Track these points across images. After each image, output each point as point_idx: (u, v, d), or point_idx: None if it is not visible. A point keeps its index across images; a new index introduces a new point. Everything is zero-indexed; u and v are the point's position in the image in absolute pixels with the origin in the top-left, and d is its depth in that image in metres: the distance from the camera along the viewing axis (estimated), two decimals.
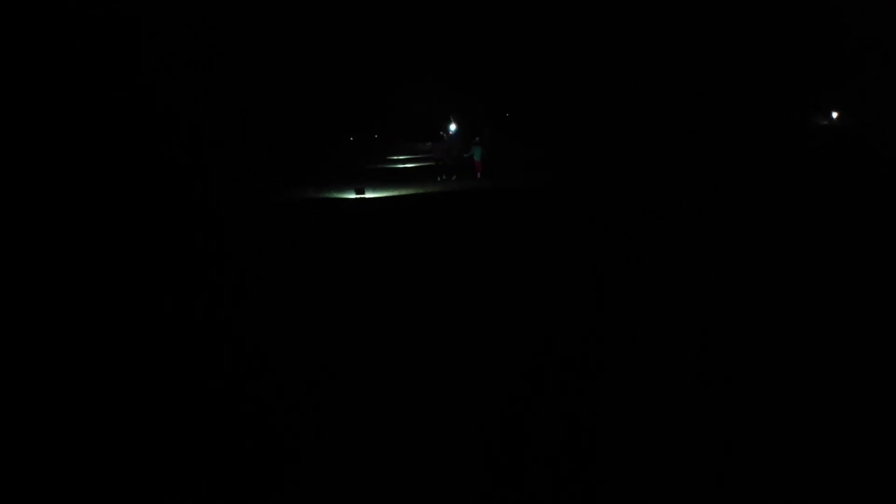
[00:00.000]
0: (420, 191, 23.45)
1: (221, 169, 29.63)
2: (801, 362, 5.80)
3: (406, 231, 14.57)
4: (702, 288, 8.46)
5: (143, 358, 6.49)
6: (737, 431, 4.59)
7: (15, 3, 22.39)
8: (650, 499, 3.88)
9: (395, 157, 51.96)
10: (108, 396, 5.55)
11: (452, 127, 41.54)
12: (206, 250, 12.96)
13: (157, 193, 22.82)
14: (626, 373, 5.67)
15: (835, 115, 49.80)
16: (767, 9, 34.57)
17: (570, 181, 24.99)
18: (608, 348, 6.31)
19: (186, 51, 28.43)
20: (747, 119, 38.20)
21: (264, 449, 4.59)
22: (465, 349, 6.44)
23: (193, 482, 4.19)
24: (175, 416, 5.13)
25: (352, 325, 7.44)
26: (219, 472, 4.30)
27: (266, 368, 6.15)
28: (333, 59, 39.17)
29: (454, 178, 28.11)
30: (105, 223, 16.54)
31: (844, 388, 5.25)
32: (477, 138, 30.55)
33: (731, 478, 4.04)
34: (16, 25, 22.21)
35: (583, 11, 35.06)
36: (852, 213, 14.03)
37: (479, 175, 27.85)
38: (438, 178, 28.32)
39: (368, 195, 21.65)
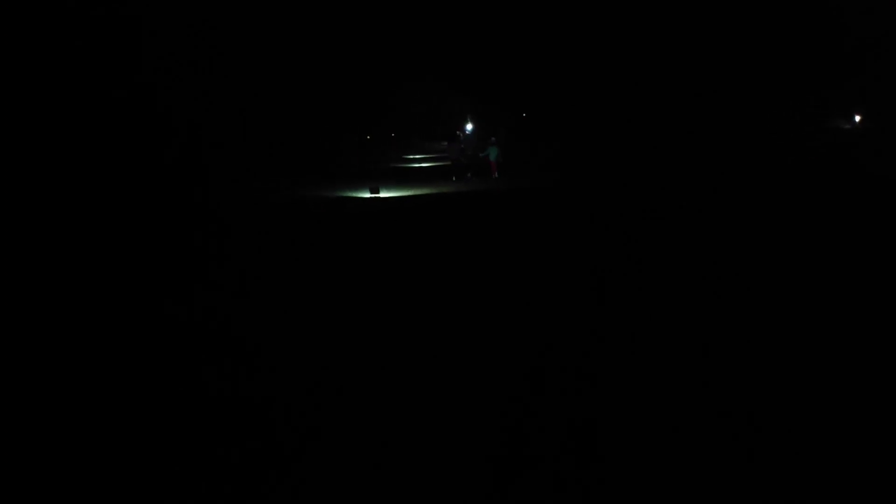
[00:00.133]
0: (434, 190, 23.56)
1: (224, 169, 29.64)
2: (800, 362, 5.80)
3: (415, 231, 14.68)
4: (702, 288, 8.46)
5: (143, 357, 6.49)
6: (737, 432, 4.59)
7: (15, 3, 22.39)
8: (650, 499, 3.88)
9: (412, 157, 51.94)
10: (108, 396, 5.55)
11: (469, 126, 41.60)
12: (208, 250, 12.95)
13: (158, 193, 22.82)
14: (626, 373, 5.67)
15: (858, 118, 48.84)
16: (767, 9, 34.58)
17: (576, 181, 25.07)
18: (608, 348, 6.31)
19: (186, 51, 28.42)
20: (747, 119, 38.20)
21: (264, 449, 4.59)
22: (466, 349, 6.44)
23: (193, 482, 4.19)
24: (175, 416, 5.13)
25: (354, 324, 7.43)
26: (219, 473, 4.29)
27: (266, 368, 6.15)
28: (346, 57, 39.19)
29: (469, 177, 28.15)
30: (105, 223, 16.54)
31: (844, 388, 5.25)
32: (493, 138, 30.58)
33: (731, 478, 4.04)
34: (16, 25, 22.21)
35: (586, 14, 35.11)
36: (852, 213, 14.03)
37: (494, 175, 27.91)
38: (454, 178, 28.34)
39: (383, 194, 21.71)
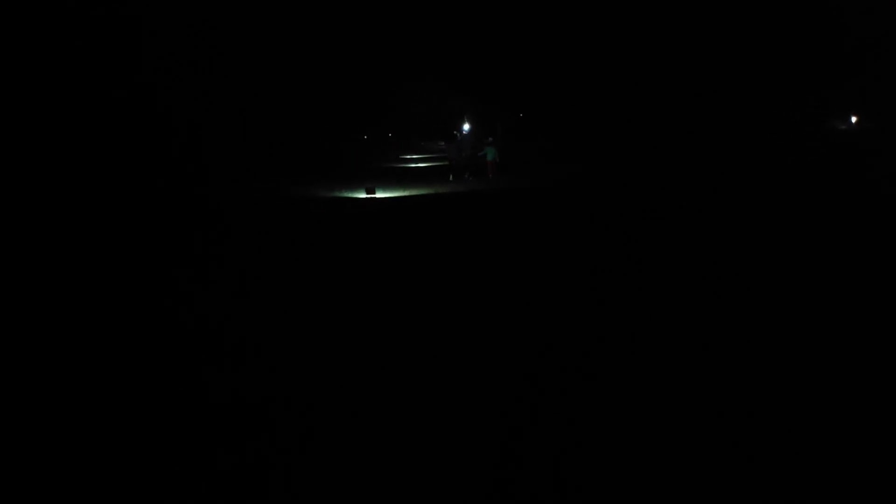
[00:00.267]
0: (431, 191, 23.43)
1: (224, 168, 29.61)
2: (800, 362, 5.80)
3: (411, 232, 14.55)
4: (702, 288, 8.46)
5: (143, 357, 6.49)
6: (737, 432, 4.59)
7: (15, 3, 22.39)
8: (650, 500, 3.88)
9: (409, 157, 51.76)
10: (108, 396, 5.55)
11: (466, 127, 41.65)
12: (205, 249, 12.95)
13: (157, 193, 22.83)
14: (626, 374, 5.67)
15: (854, 119, 49.08)
16: (767, 9, 34.58)
17: (576, 181, 25.05)
18: (608, 348, 6.31)
19: (186, 51, 28.41)
20: (747, 119, 38.22)
21: (264, 449, 4.59)
22: (465, 350, 6.44)
23: (193, 482, 4.19)
24: (175, 416, 5.13)
25: (354, 324, 7.43)
26: (219, 473, 4.30)
27: (266, 368, 6.15)
28: (345, 57, 39.10)
29: (467, 177, 28.12)
30: (105, 222, 16.54)
31: (844, 388, 5.25)
32: (490, 139, 30.60)
33: (731, 478, 4.04)
34: (16, 25, 22.21)
35: (585, 14, 35.06)
36: (851, 213, 14.03)
37: (490, 175, 27.89)
38: (451, 178, 28.33)
39: (379, 195, 21.65)
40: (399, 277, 9.91)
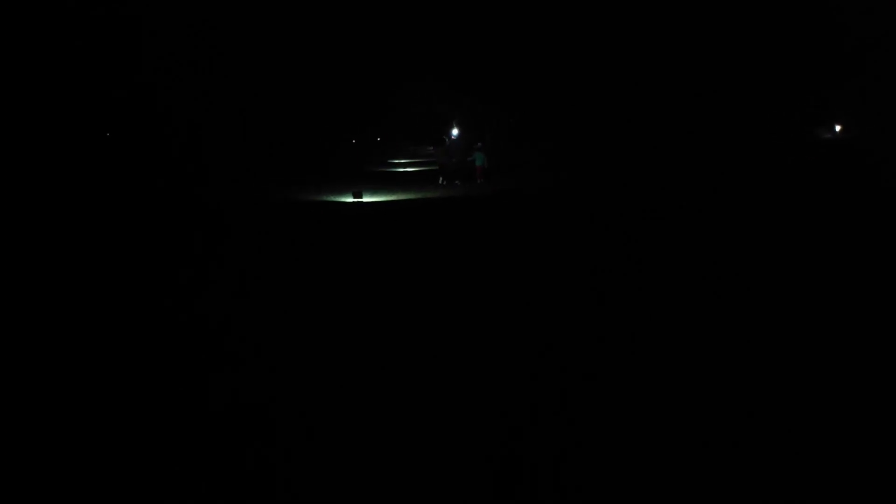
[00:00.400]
0: (419, 195, 23.08)
1: (217, 169, 29.58)
2: (800, 362, 5.80)
3: (399, 237, 14.01)
4: (702, 288, 8.46)
5: (143, 357, 6.49)
6: (737, 432, 4.59)
7: (15, 3, 22.40)
8: (649, 500, 3.88)
9: (397, 161, 51.53)
10: (109, 396, 5.55)
11: (454, 132, 41.66)
12: (205, 250, 12.93)
13: (156, 193, 22.83)
14: (626, 374, 5.67)
15: (838, 128, 49.38)
16: (767, 9, 34.56)
17: (571, 183, 24.97)
18: (608, 349, 6.31)
19: (186, 51, 28.42)
20: (747, 119, 38.22)
21: (264, 450, 4.59)
22: (466, 351, 6.43)
23: (193, 482, 4.19)
24: (175, 416, 5.13)
25: (351, 327, 7.43)
26: (219, 473, 4.29)
27: (265, 369, 6.15)
28: (333, 60, 39.03)
29: (457, 182, 28.12)
30: (105, 222, 16.55)
31: (843, 388, 5.25)
32: (479, 144, 30.67)
33: (731, 479, 4.04)
34: (16, 25, 22.21)
35: (583, 13, 35.00)
36: (850, 213, 14.03)
37: (479, 180, 27.91)
38: (441, 181, 28.33)
39: (366, 199, 21.37)
40: (394, 280, 9.91)
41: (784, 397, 5.11)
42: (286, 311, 8.06)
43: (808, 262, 9.83)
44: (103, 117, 24.41)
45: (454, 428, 4.77)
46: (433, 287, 9.15)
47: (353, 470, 4.27)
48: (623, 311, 7.54)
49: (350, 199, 21.21)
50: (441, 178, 28.71)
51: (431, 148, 53.84)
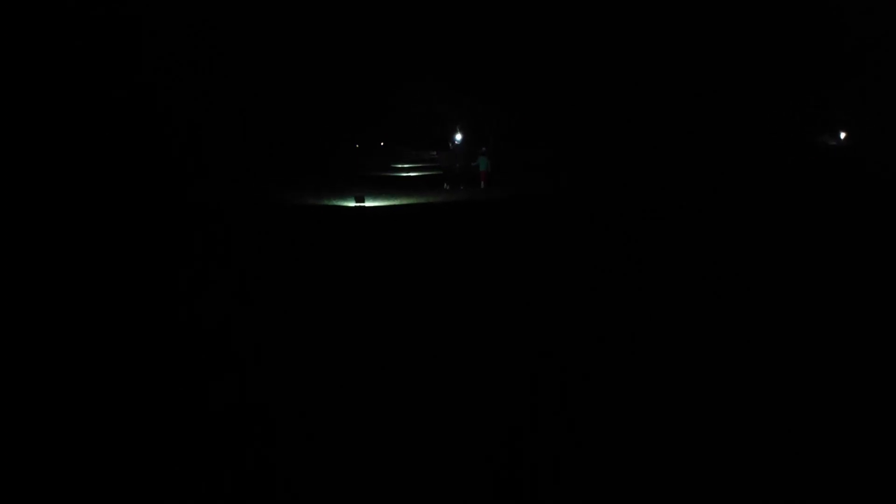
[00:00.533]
0: (421, 200, 22.82)
1: (218, 169, 29.54)
2: (800, 362, 5.80)
3: (402, 243, 13.64)
4: (702, 288, 8.46)
5: (143, 358, 6.49)
6: (737, 431, 4.59)
7: (15, 3, 22.40)
8: (650, 499, 3.88)
9: (400, 165, 51.14)
10: (109, 397, 5.55)
11: (458, 137, 41.66)
12: (204, 252, 12.92)
13: (155, 193, 22.82)
14: (626, 374, 5.67)
15: (843, 135, 49.39)
16: (767, 9, 34.57)
17: (573, 185, 24.92)
18: (608, 349, 6.31)
19: (186, 51, 28.40)
20: (747, 119, 38.23)
21: (263, 451, 4.59)
22: (466, 351, 6.43)
23: (193, 482, 4.19)
24: (175, 417, 5.13)
25: (352, 328, 7.43)
26: (219, 473, 4.29)
27: (266, 371, 6.15)
28: (333, 60, 38.95)
29: (461, 187, 28.13)
30: (105, 222, 16.55)
31: (843, 388, 5.25)
32: (483, 148, 30.76)
33: (731, 479, 4.04)
34: (16, 25, 22.21)
35: (586, 14, 35.00)
36: (849, 214, 14.03)
37: (483, 185, 27.96)
38: (445, 186, 28.35)
39: (368, 204, 21.11)
40: (396, 284, 9.90)
41: (783, 397, 5.11)
42: (286, 312, 8.06)
43: (806, 262, 9.83)
44: (103, 117, 24.39)
45: (454, 428, 4.77)
46: (435, 290, 9.15)
47: (354, 470, 4.27)
48: (623, 311, 7.54)
49: (352, 204, 21.02)
50: (445, 183, 28.76)
51: (434, 153, 53.82)
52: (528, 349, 6.37)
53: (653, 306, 7.67)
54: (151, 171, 25.16)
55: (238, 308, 8.32)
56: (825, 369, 5.64)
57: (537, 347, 6.42)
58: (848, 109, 44.50)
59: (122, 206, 19.55)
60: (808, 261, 9.89)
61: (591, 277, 9.39)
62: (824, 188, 18.82)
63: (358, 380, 5.74)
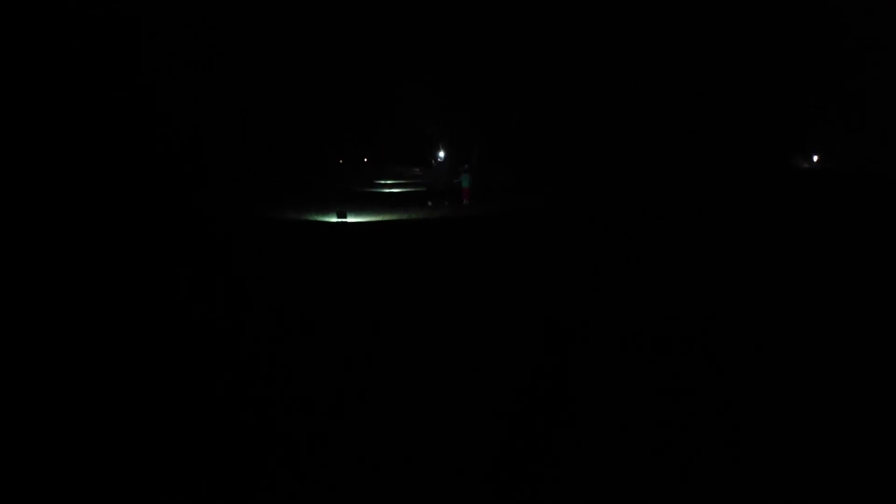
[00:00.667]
0: (404, 216, 22.14)
1: (221, 170, 29.49)
2: (799, 362, 5.80)
3: (383, 261, 12.62)
4: (702, 288, 8.46)
5: (143, 360, 6.49)
6: (736, 431, 4.59)
7: (15, 3, 22.40)
8: (649, 499, 3.88)
9: (383, 182, 50.57)
10: (110, 398, 5.55)
11: (441, 154, 41.85)
12: (195, 259, 12.80)
13: (154, 194, 22.81)
14: (626, 373, 5.67)
15: (815, 158, 49.93)
16: (767, 8, 34.60)
17: (563, 198, 24.41)
18: (608, 348, 6.31)
19: (186, 51, 28.40)
20: (747, 119, 38.26)
21: (263, 451, 4.58)
22: (465, 352, 6.43)
23: (193, 482, 4.19)
24: (175, 418, 5.13)
25: (347, 338, 7.43)
26: (219, 473, 4.29)
27: (266, 373, 6.15)
28: (322, 79, 38.73)
29: (445, 203, 28.03)
30: (105, 223, 16.54)
31: (843, 388, 5.25)
32: (465, 165, 30.90)
33: (731, 478, 4.03)
34: (16, 25, 22.22)
35: (587, 15, 34.98)
36: (850, 213, 14.04)
37: (466, 201, 27.90)
38: (429, 203, 28.20)
39: (351, 219, 20.40)
40: (375, 304, 9.86)
41: (783, 397, 5.11)
42: (282, 312, 8.06)
43: (806, 262, 9.83)
44: (103, 117, 24.36)
45: (455, 427, 4.76)
46: (419, 309, 9.12)
47: (354, 470, 4.27)
48: (623, 311, 7.53)
49: (334, 220, 20.31)
50: (429, 200, 28.66)
51: (417, 169, 53.99)
52: (528, 348, 6.36)
53: (653, 306, 7.66)
54: (142, 172, 25.08)
55: (221, 315, 8.31)
56: (824, 369, 5.64)
57: (537, 347, 6.41)
58: (806, 149, 44.98)
59: (122, 208, 19.55)
60: (808, 261, 9.88)
61: (590, 277, 9.38)
62: (824, 188, 18.83)
63: (356, 383, 5.74)
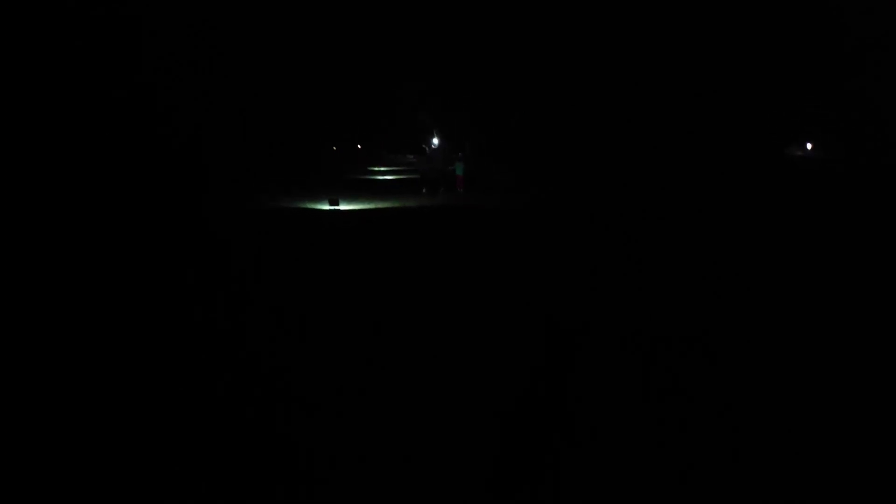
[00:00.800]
0: (398, 204, 22.08)
1: (221, 170, 29.48)
2: (799, 362, 5.80)
3: (374, 250, 12.66)
4: (702, 288, 8.45)
5: (143, 360, 6.49)
6: (736, 431, 4.59)
7: (15, 3, 22.40)
8: (649, 499, 3.88)
9: (377, 168, 50.51)
10: (110, 398, 5.55)
11: (435, 141, 41.78)
12: (201, 253, 12.86)
13: (154, 194, 22.81)
14: (626, 374, 5.66)
15: (809, 146, 50.08)
16: (767, 8, 34.55)
17: (555, 194, 24.23)
18: (609, 348, 6.31)
19: (186, 51, 28.39)
20: (747, 119, 38.22)
21: (262, 451, 4.59)
22: (465, 351, 6.43)
23: (194, 482, 4.19)
24: (175, 418, 5.13)
25: (347, 338, 7.43)
26: (219, 473, 4.29)
27: (266, 372, 6.15)
28: (316, 68, 38.68)
29: (442, 190, 27.99)
30: (105, 223, 16.54)
31: (843, 388, 5.25)
32: (460, 154, 30.92)
33: (731, 478, 4.04)
34: (16, 25, 22.22)
35: (587, 15, 34.91)
36: (850, 214, 14.03)
37: (460, 189, 27.89)
38: (423, 191, 28.15)
39: (343, 207, 20.35)
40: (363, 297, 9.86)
41: (783, 397, 5.11)
42: (279, 311, 8.06)
43: (806, 262, 9.82)
44: (103, 117, 24.35)
45: (455, 428, 4.76)
46: (412, 299, 9.13)
47: (354, 470, 4.27)
48: (623, 311, 7.53)
49: (326, 207, 20.18)
50: (423, 188, 28.62)
51: (411, 156, 53.81)
52: (528, 348, 6.36)
53: (653, 305, 7.66)
54: (142, 172, 25.06)
55: (204, 310, 8.32)
56: (824, 369, 5.64)
57: (537, 347, 6.41)
58: (799, 136, 44.95)
59: (121, 210, 19.55)
60: (807, 261, 9.88)
61: (590, 277, 9.37)
62: (826, 187, 18.82)
63: (355, 383, 5.74)
